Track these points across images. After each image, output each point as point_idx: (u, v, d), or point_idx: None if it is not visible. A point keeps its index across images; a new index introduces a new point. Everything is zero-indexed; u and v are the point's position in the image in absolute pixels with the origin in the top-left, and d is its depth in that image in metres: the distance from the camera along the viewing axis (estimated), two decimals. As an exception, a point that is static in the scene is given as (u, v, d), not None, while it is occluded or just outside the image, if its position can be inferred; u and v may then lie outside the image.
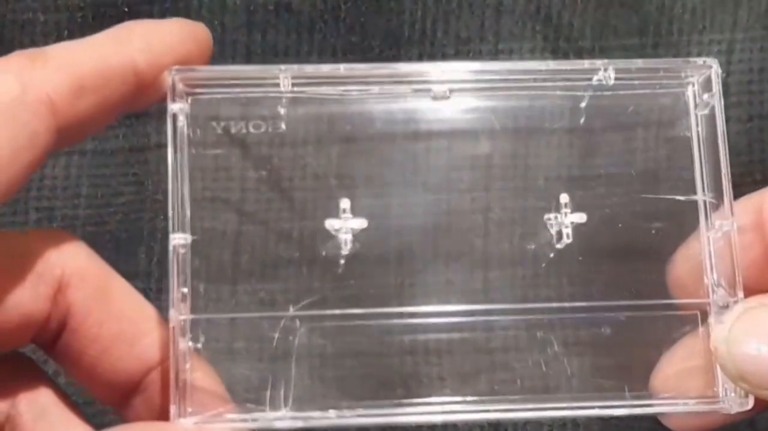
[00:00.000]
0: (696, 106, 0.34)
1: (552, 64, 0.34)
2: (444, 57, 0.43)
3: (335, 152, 0.34)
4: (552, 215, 0.34)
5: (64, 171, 0.44)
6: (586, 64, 0.34)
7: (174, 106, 0.32)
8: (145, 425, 0.30)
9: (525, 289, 0.34)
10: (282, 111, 0.34)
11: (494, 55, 0.43)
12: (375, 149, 0.34)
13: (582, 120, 0.35)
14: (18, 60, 0.29)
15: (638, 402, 0.32)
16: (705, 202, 0.33)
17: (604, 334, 0.34)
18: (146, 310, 0.31)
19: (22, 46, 0.44)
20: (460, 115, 0.34)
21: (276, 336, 0.32)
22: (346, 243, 0.33)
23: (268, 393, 0.32)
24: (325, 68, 0.33)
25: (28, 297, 0.29)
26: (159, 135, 0.43)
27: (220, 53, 0.44)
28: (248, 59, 0.44)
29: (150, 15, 0.44)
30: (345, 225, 0.33)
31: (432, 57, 0.43)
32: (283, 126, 0.34)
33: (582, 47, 0.43)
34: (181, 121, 0.32)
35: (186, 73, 0.32)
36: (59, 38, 0.44)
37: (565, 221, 0.34)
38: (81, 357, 0.30)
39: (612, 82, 0.34)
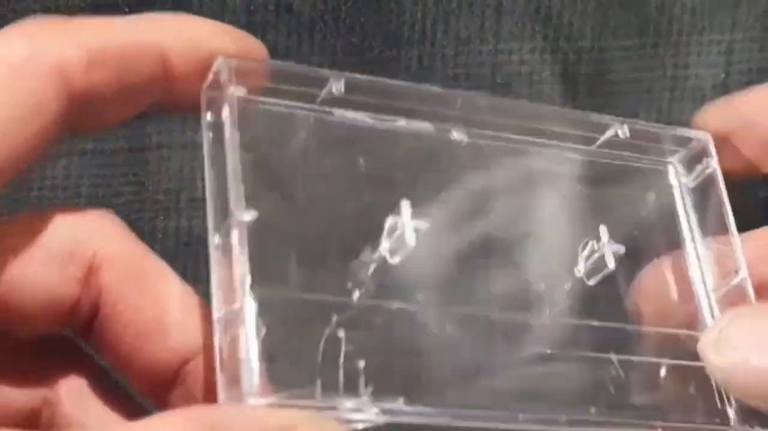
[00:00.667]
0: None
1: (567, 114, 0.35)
2: (444, 58, 0.43)
3: (392, 156, 0.33)
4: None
5: (64, 171, 0.43)
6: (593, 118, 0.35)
7: (228, 91, 0.30)
8: (204, 408, 0.27)
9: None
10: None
11: (494, 55, 0.43)
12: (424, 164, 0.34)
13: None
14: (34, 24, 0.28)
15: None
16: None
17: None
18: (186, 295, 0.29)
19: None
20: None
21: (336, 324, 0.31)
22: (405, 241, 0.32)
23: (341, 380, 0.29)
24: (375, 80, 0.32)
25: (55, 278, 0.28)
26: (159, 135, 0.43)
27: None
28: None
29: (150, 15, 0.44)
30: (407, 223, 0.32)
31: (432, 57, 0.43)
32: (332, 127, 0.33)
33: (582, 47, 0.43)
34: (232, 107, 0.30)
35: (235, 63, 0.30)
36: (59, 38, 0.44)
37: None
38: (116, 344, 0.29)
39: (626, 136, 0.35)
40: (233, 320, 0.28)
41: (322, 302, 0.30)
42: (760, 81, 0.42)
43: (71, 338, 0.30)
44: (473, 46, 0.43)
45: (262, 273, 0.29)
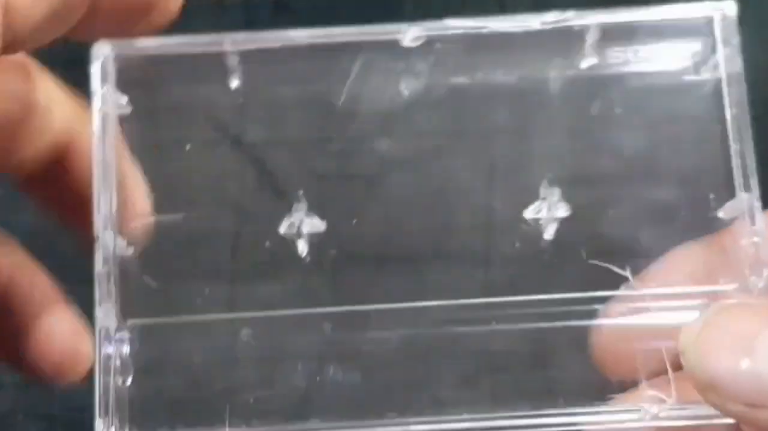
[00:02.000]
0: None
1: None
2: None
3: (292, 141, 0.32)
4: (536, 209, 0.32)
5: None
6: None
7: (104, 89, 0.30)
8: None
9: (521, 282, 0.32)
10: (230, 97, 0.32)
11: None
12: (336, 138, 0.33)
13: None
14: None
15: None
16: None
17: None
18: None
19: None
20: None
21: (225, 340, 0.30)
22: (301, 247, 0.31)
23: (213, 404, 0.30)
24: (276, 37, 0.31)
25: None
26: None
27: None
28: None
29: (147, 14, 0.43)
30: (301, 228, 0.31)
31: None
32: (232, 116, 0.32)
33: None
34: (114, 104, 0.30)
35: (122, 49, 0.30)
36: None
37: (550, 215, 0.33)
38: None
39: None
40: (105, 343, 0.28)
41: (201, 322, 0.31)
42: (765, 79, 0.42)
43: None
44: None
45: (134, 300, 0.30)
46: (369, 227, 0.32)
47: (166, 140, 0.32)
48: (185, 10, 0.45)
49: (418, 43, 0.32)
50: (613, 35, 0.33)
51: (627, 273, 0.31)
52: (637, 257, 0.32)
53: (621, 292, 0.32)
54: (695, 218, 0.32)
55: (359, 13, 0.43)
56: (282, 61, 0.32)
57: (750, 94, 0.42)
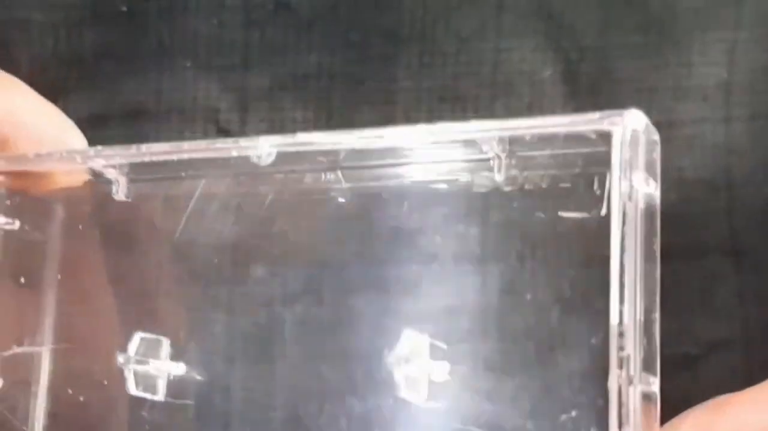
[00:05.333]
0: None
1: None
2: (444, 55, 0.43)
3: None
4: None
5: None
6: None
7: None
8: None
9: None
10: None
11: (495, 53, 0.43)
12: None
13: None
14: None
15: None
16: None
17: None
18: None
19: (19, 44, 0.44)
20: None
21: None
22: (154, 390, 0.30)
23: None
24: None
25: None
26: (157, 135, 0.43)
27: (219, 52, 0.43)
28: (246, 58, 0.43)
29: (148, 13, 0.43)
30: (158, 368, 0.30)
31: (432, 55, 0.43)
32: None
33: (584, 46, 0.42)
34: None
35: None
36: (56, 37, 0.44)
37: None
38: None
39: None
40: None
41: None
42: (764, 80, 0.42)
43: None
44: (474, 44, 0.43)
45: None
46: None
47: None
48: (186, 10, 0.45)
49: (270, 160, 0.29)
50: None
51: None
52: None
53: None
54: None
55: (359, 13, 0.43)
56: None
57: (750, 94, 0.42)
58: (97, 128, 0.43)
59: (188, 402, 0.30)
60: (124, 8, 0.43)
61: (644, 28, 0.43)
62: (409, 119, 0.42)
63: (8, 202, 0.32)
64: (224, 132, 0.43)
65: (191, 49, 0.44)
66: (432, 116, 0.42)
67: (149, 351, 0.29)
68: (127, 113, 0.44)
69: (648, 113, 0.37)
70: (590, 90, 0.42)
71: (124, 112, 0.44)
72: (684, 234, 0.41)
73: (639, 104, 0.42)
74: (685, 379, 0.40)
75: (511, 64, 0.43)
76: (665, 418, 0.30)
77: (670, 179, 0.36)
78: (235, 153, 0.30)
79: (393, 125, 0.37)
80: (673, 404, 0.31)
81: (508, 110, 0.42)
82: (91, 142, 0.44)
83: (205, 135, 0.43)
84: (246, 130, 0.43)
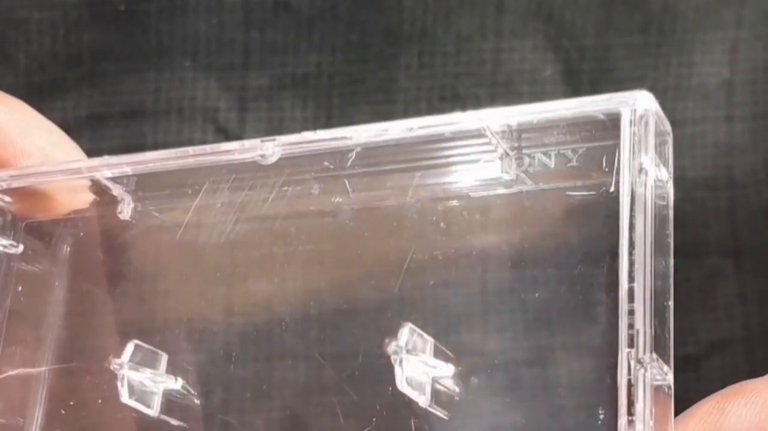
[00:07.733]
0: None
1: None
2: (444, 55, 0.43)
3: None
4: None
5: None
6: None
7: None
8: None
9: None
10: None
11: (495, 53, 0.43)
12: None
13: None
14: None
15: None
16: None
17: None
18: None
19: (17, 44, 0.44)
20: None
21: None
22: (151, 402, 0.29)
23: None
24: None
25: None
26: (155, 134, 0.43)
27: (218, 52, 0.43)
28: (246, 58, 0.43)
29: (147, 13, 0.43)
30: (152, 380, 0.29)
31: (432, 55, 0.43)
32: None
33: (584, 45, 0.42)
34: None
35: None
36: (54, 36, 0.43)
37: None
38: None
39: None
40: None
41: None
42: (765, 80, 0.42)
43: None
44: (474, 44, 0.43)
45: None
46: None
47: None
48: (186, 10, 0.45)
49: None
50: None
51: None
52: None
53: None
54: None
55: (359, 13, 0.43)
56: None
57: (752, 94, 0.42)
58: (96, 128, 0.43)
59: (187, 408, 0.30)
60: (123, 8, 0.43)
61: (644, 27, 0.42)
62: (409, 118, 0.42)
63: (11, 227, 0.31)
64: (223, 132, 0.43)
65: (191, 49, 0.44)
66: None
67: (145, 361, 0.29)
68: (126, 112, 0.44)
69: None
70: (590, 90, 0.42)
71: (122, 111, 0.44)
72: (684, 234, 0.41)
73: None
74: (687, 379, 0.40)
75: (511, 64, 0.43)
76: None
77: (671, 179, 0.36)
78: (238, 156, 0.29)
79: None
80: (674, 404, 0.31)
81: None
82: (90, 141, 0.44)
83: (204, 135, 0.43)
84: (245, 129, 0.43)
